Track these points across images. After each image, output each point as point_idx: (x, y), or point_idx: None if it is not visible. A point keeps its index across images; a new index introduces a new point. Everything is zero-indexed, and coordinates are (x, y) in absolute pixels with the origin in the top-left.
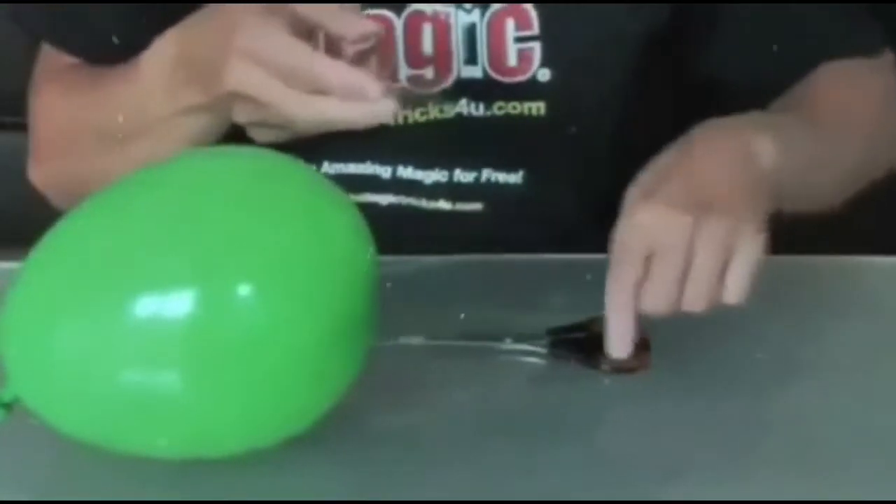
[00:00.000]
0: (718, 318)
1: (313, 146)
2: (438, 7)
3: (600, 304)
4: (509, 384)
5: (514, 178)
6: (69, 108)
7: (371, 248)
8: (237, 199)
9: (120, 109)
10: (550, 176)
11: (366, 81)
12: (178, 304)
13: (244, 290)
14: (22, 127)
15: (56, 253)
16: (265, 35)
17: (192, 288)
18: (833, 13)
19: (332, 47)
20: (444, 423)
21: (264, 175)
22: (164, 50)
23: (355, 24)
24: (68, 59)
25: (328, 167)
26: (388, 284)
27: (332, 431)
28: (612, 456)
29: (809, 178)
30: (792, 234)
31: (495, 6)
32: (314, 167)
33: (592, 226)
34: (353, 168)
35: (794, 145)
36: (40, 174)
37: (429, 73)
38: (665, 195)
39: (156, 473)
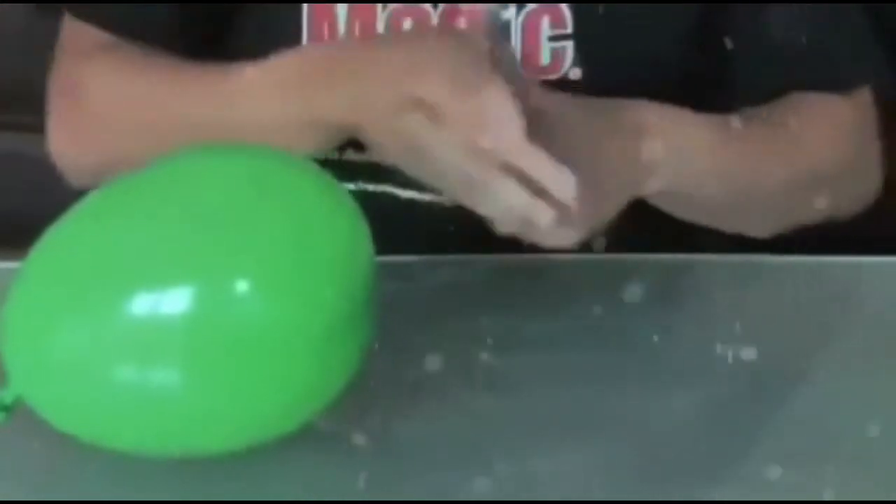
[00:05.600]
0: (718, 318)
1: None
2: (476, 5)
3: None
4: (515, 384)
5: None
6: (128, 87)
7: (369, 246)
8: (235, 196)
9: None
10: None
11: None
12: (176, 301)
13: (242, 287)
14: (22, 127)
15: (55, 252)
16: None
17: (190, 285)
18: (812, 45)
19: None
20: (453, 422)
21: (263, 172)
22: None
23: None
24: (98, 38)
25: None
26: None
27: (332, 430)
28: (615, 457)
29: (707, 189)
30: (792, 233)
31: (531, 5)
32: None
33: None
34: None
35: (693, 154)
36: (73, 147)
37: None
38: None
39: (155, 473)
